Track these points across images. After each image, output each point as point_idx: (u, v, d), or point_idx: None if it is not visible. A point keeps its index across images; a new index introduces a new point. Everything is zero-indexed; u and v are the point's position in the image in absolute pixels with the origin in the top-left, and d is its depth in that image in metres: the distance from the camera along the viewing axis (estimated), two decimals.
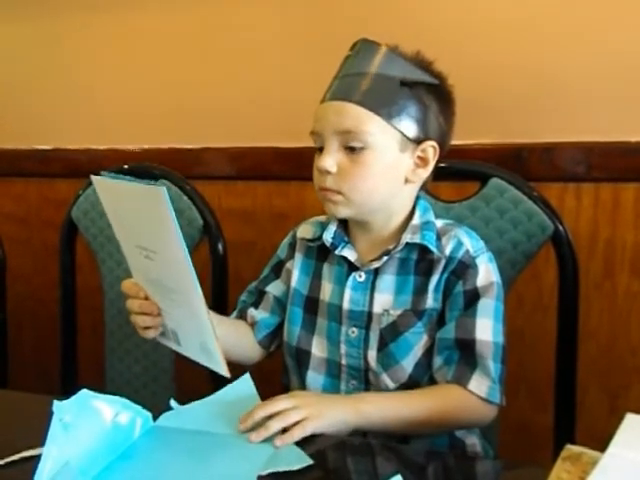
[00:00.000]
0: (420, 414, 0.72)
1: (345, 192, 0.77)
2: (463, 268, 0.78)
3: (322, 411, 0.67)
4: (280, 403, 0.68)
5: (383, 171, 0.77)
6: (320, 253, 0.86)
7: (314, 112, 0.80)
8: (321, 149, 0.79)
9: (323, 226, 0.87)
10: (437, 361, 0.78)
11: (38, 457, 0.67)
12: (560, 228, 0.91)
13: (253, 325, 0.89)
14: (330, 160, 0.76)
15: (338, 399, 0.74)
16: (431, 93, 0.78)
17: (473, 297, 0.78)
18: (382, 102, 0.75)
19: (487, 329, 0.77)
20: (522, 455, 1.12)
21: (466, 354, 0.76)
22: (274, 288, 0.90)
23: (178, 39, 1.39)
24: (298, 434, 0.64)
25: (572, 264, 0.92)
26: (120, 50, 1.45)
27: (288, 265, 0.89)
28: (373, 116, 0.75)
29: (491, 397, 0.75)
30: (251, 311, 0.90)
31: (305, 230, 0.89)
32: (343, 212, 0.79)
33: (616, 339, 1.13)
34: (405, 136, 0.77)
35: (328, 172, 0.77)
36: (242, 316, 0.90)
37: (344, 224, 0.85)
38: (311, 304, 0.85)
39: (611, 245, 1.12)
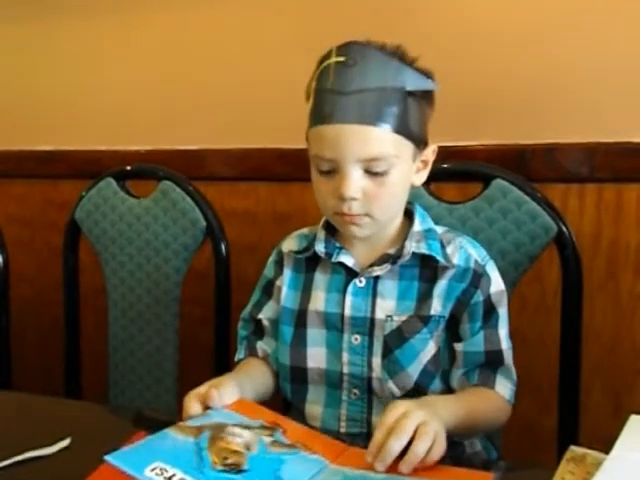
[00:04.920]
0: (474, 418, 0.73)
1: (374, 214, 0.75)
2: (478, 277, 0.79)
3: (427, 415, 0.61)
4: (391, 417, 0.61)
5: (404, 185, 0.78)
6: (309, 264, 0.84)
7: (316, 135, 0.74)
8: (329, 172, 0.75)
9: (308, 238, 0.86)
10: (458, 372, 0.80)
11: (41, 458, 0.67)
12: (563, 229, 0.91)
13: (266, 357, 0.86)
14: (355, 187, 0.73)
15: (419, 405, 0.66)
16: (426, 97, 0.78)
17: (490, 306, 0.79)
18: (398, 118, 0.73)
19: (506, 337, 0.81)
20: (526, 457, 1.12)
21: (490, 362, 0.79)
22: (269, 311, 0.87)
23: (181, 40, 1.39)
24: (438, 452, 0.59)
25: (575, 265, 0.92)
26: (122, 51, 1.45)
27: (278, 282, 0.87)
28: (394, 136, 0.73)
29: (512, 399, 0.79)
30: (260, 345, 0.87)
31: (290, 243, 0.87)
32: (367, 232, 0.78)
33: (620, 340, 1.13)
34: (416, 146, 0.77)
35: (353, 199, 0.74)
36: (252, 353, 0.87)
37: (332, 230, 0.83)
38: (301, 317, 0.83)
39: (615, 246, 1.12)
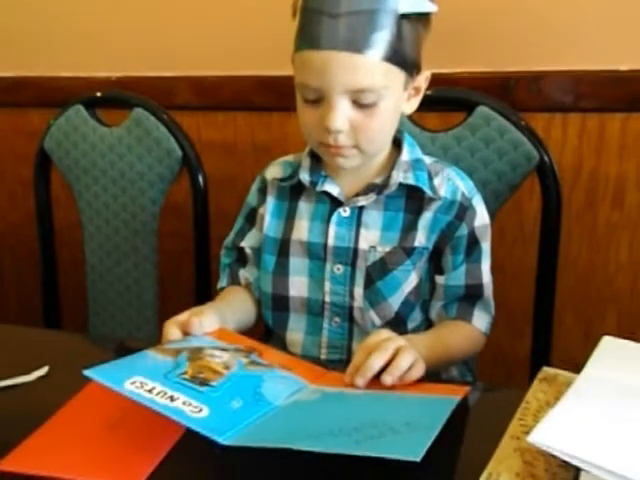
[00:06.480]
0: (449, 353, 0.75)
1: (361, 145, 0.73)
2: (463, 210, 0.79)
3: (407, 343, 0.63)
4: (372, 340, 0.63)
5: (393, 115, 0.75)
6: (293, 193, 0.83)
7: (302, 60, 0.70)
8: (315, 101, 0.72)
9: (292, 165, 0.84)
10: (438, 304, 0.81)
11: (19, 386, 0.67)
12: (545, 158, 0.90)
13: (248, 285, 0.86)
14: (342, 119, 0.70)
15: None
16: (421, 20, 0.73)
17: (474, 240, 0.80)
18: (389, 45, 0.68)
19: (487, 271, 0.82)
20: (500, 380, 1.16)
21: (470, 296, 0.81)
22: (251, 240, 0.87)
23: None
24: (417, 372, 0.60)
25: (556, 195, 0.92)
26: None
27: (261, 210, 0.85)
28: (385, 64, 0.69)
29: (488, 331, 0.82)
30: (242, 272, 0.87)
31: (274, 171, 0.85)
32: (354, 164, 0.76)
33: (594, 269, 1.15)
34: (408, 74, 0.73)
35: (339, 131, 0.71)
36: (234, 281, 0.87)
37: (317, 158, 0.81)
38: (283, 246, 0.82)
39: (595, 176, 1.12)
